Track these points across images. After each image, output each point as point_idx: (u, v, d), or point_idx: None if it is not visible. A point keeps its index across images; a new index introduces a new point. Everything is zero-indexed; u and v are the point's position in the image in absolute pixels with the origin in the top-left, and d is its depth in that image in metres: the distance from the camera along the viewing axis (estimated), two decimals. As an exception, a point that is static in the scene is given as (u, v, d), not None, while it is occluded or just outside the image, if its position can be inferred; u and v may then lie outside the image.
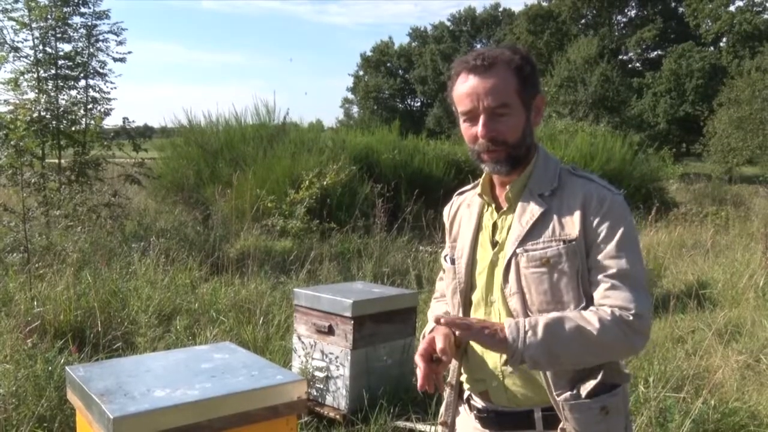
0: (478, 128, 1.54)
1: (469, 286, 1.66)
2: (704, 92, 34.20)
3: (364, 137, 12.47)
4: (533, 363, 1.44)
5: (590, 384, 1.51)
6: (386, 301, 3.86)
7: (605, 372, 1.53)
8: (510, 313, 1.56)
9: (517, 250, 1.55)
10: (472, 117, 1.55)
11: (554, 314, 1.48)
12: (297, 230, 8.30)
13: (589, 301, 1.51)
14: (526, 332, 1.44)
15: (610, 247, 1.49)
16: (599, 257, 1.50)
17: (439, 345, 1.55)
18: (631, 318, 1.44)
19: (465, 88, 1.55)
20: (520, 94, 1.54)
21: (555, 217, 1.54)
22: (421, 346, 1.59)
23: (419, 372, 1.55)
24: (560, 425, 1.53)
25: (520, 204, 1.58)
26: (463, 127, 1.59)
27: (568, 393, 1.51)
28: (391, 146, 11.56)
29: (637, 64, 44.35)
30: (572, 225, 1.51)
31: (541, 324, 1.44)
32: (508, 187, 1.60)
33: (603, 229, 1.50)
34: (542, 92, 1.62)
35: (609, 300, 1.48)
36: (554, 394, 1.52)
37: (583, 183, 1.56)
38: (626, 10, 45.13)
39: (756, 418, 3.70)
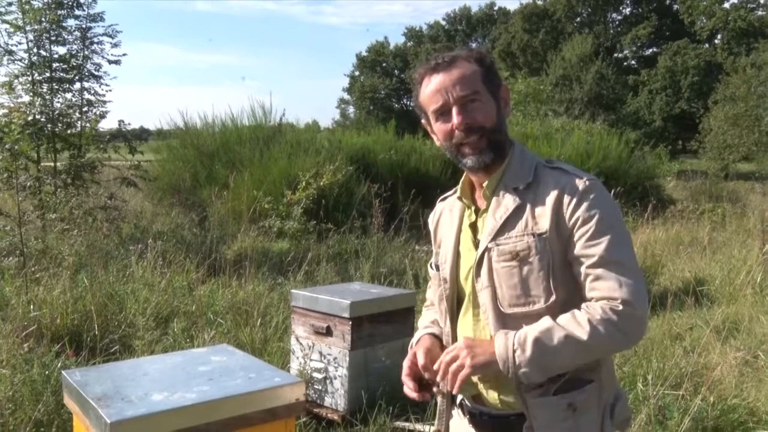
0: (453, 119, 1.53)
1: (455, 292, 1.64)
2: (699, 89, 34.27)
3: (360, 137, 12.48)
4: (527, 378, 1.44)
5: (557, 380, 1.49)
6: (384, 301, 3.85)
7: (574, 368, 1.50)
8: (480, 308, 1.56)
9: (489, 245, 1.54)
10: (444, 112, 1.55)
11: (544, 324, 1.44)
12: (294, 231, 8.29)
13: (560, 295, 1.48)
14: (514, 351, 1.42)
15: (588, 234, 1.46)
16: (579, 247, 1.47)
17: (421, 362, 1.57)
18: (620, 308, 1.41)
19: (432, 86, 1.56)
20: (486, 83, 1.56)
21: (528, 211, 1.52)
22: (405, 364, 1.60)
23: (408, 391, 1.57)
24: (525, 424, 1.51)
25: (494, 199, 1.57)
26: (437, 126, 1.59)
27: (534, 389, 1.49)
28: (388, 146, 11.57)
29: (633, 62, 44.39)
30: (544, 218, 1.49)
31: (529, 340, 1.42)
32: (484, 185, 1.59)
33: (578, 218, 1.47)
34: (505, 84, 1.63)
35: (595, 293, 1.45)
36: (521, 390, 1.50)
37: (556, 175, 1.54)
38: (621, 8, 45.19)
39: (755, 414, 3.70)
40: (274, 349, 4.43)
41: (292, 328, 3.99)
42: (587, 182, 1.50)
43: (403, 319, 3.95)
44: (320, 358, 3.80)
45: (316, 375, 3.81)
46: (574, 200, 1.48)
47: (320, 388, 3.81)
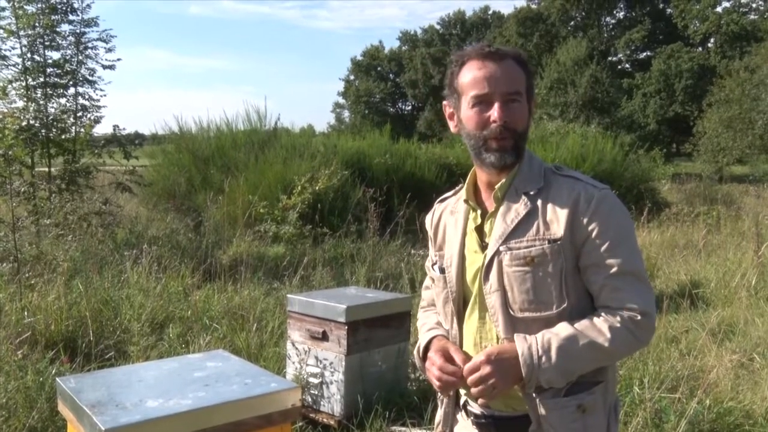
0: (493, 112, 1.52)
1: (461, 294, 1.64)
2: (693, 92, 34.50)
3: (355, 142, 12.49)
4: (548, 383, 1.46)
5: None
6: (380, 305, 3.84)
7: None
8: (487, 310, 1.56)
9: (501, 248, 1.53)
10: (485, 101, 1.53)
11: (566, 331, 1.47)
12: (289, 236, 8.28)
13: (571, 301, 1.50)
14: (540, 357, 1.45)
15: (606, 245, 1.48)
16: (595, 256, 1.49)
17: (459, 360, 1.54)
18: (639, 318, 1.47)
19: (481, 72, 1.53)
20: (526, 88, 1.57)
21: (540, 216, 1.53)
22: (439, 361, 1.56)
23: (444, 379, 1.54)
24: (531, 427, 1.51)
25: (505, 203, 1.57)
26: (471, 112, 1.55)
27: (546, 391, 1.50)
28: (383, 150, 11.56)
29: (627, 65, 44.64)
30: (558, 225, 1.50)
31: (554, 346, 1.45)
32: (496, 187, 1.58)
33: (594, 228, 1.49)
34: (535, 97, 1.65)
35: (614, 303, 1.49)
36: (532, 392, 1.50)
37: (569, 182, 1.55)
38: (615, 12, 45.45)
39: (751, 417, 3.70)
40: (269, 354, 4.42)
41: (288, 332, 3.98)
42: (602, 191, 1.53)
43: (399, 324, 3.95)
44: (316, 363, 3.79)
45: (312, 380, 3.80)
46: (591, 209, 1.50)
47: (316, 393, 3.80)
